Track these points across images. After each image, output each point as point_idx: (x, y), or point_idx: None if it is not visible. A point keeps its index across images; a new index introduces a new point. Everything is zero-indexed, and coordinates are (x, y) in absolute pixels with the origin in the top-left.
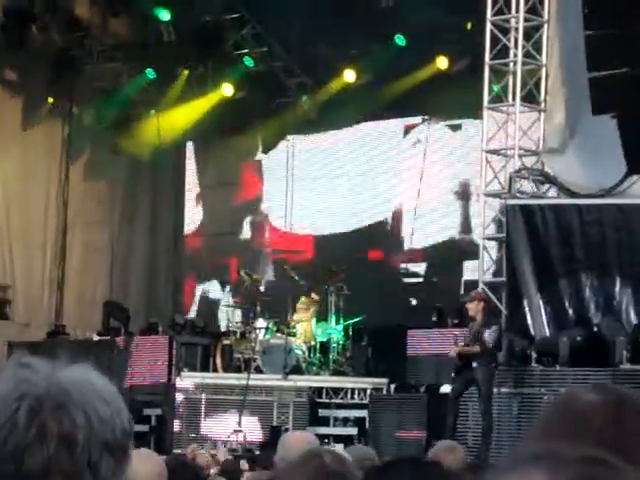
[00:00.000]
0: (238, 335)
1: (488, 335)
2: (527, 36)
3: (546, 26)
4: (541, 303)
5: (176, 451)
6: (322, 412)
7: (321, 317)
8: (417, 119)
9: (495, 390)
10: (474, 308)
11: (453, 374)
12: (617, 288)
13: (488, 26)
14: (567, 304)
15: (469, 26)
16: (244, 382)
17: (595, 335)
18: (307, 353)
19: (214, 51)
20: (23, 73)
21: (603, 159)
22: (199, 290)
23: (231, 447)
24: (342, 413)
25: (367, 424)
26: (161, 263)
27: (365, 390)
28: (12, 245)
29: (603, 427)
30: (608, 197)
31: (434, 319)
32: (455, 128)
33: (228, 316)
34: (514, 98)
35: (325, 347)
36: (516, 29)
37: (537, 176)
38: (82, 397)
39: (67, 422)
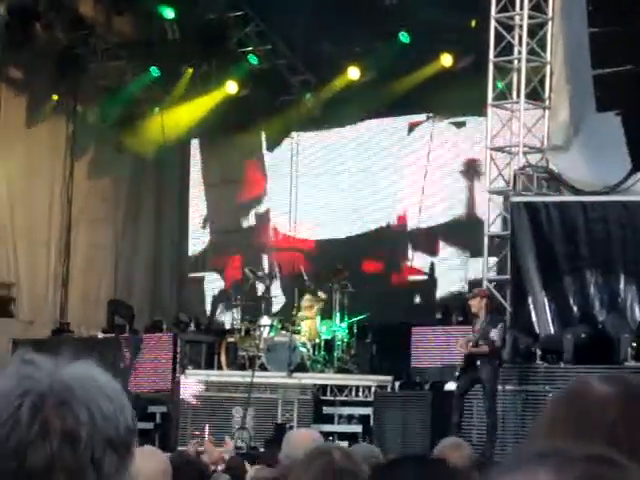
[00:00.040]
0: (242, 333)
1: (495, 334)
2: (531, 33)
3: (550, 23)
4: (546, 300)
5: (181, 448)
6: (326, 410)
7: (325, 315)
8: (421, 116)
9: (500, 387)
10: (477, 305)
11: (458, 372)
12: (622, 285)
13: (492, 23)
14: (572, 301)
15: (473, 23)
16: (249, 380)
17: (600, 332)
18: (312, 351)
19: (218, 49)
20: (27, 71)
21: (607, 156)
22: (203, 288)
23: (236, 445)
24: (347, 411)
25: (372, 422)
26: (165, 261)
27: (370, 388)
28: (16, 243)
29: (617, 421)
30: (613, 194)
31: (439, 316)
32: (459, 125)
33: (232, 314)
34: (518, 95)
35: (329, 345)
36: (520, 26)
37: (541, 173)
38: (85, 394)
39: (70, 419)
